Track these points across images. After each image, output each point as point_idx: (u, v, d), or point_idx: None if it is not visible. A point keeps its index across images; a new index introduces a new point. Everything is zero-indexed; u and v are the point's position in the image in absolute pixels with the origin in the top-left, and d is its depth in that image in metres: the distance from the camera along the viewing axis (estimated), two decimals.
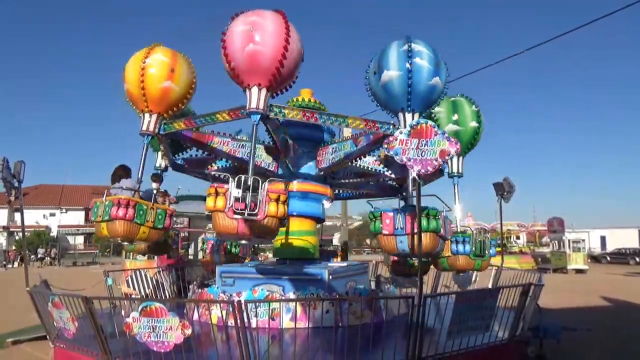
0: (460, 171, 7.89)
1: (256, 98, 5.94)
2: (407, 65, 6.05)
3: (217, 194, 5.37)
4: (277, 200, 5.48)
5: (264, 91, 5.94)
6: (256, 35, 5.73)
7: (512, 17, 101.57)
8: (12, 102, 79.53)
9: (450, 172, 7.91)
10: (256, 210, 5.28)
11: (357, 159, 8.11)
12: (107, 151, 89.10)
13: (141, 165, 6.73)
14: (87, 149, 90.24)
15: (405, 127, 5.56)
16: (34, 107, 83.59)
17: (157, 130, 6.87)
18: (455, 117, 7.80)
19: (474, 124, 7.86)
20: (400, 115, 6.26)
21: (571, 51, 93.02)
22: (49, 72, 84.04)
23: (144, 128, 6.80)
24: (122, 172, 7.20)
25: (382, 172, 8.95)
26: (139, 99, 6.70)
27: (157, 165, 8.05)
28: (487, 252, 7.54)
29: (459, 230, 7.87)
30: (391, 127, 6.40)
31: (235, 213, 5.24)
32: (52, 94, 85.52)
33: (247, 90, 5.98)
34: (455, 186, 7.87)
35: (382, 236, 6.04)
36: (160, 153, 8.00)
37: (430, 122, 5.07)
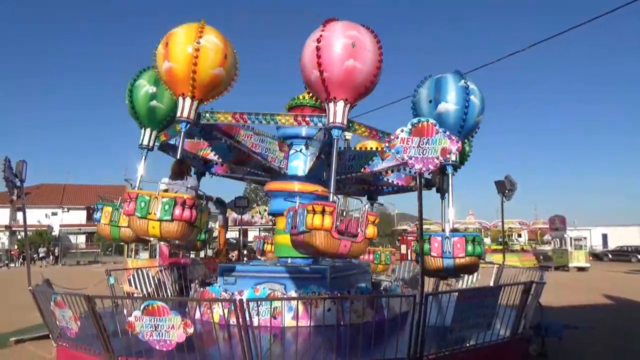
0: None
1: (341, 113, 6.09)
2: (465, 102, 6.94)
3: (324, 212, 5.22)
4: (373, 222, 5.52)
5: (347, 106, 6.15)
6: (358, 52, 5.86)
7: (513, 13, 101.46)
8: (14, 101, 79.66)
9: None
10: (357, 233, 5.35)
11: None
12: (109, 150, 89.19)
13: (180, 152, 6.51)
14: (89, 148, 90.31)
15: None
16: (36, 106, 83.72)
17: (194, 117, 6.41)
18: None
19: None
20: None
21: (573, 48, 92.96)
22: (51, 71, 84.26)
23: (184, 114, 6.31)
24: (183, 168, 6.57)
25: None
26: (184, 82, 6.14)
27: (144, 142, 7.68)
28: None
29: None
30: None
31: (339, 233, 5.30)
32: (53, 93, 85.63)
33: (332, 103, 6.09)
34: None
35: (429, 257, 6.61)
36: (148, 130, 7.66)
37: (431, 120, 5.07)
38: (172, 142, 7.99)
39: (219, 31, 6.38)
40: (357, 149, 9.19)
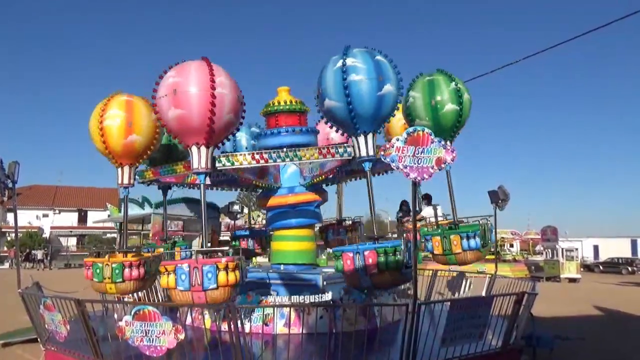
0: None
1: (197, 158, 5.87)
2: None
3: (167, 272, 5.35)
4: (227, 269, 5.39)
5: (203, 149, 5.88)
6: (177, 99, 5.59)
7: (507, 22, 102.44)
8: (7, 101, 79.14)
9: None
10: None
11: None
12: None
13: (124, 216, 7.14)
14: (82, 150, 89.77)
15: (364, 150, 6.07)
16: (29, 106, 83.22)
17: (132, 180, 6.96)
18: (432, 102, 7.17)
19: (452, 106, 7.19)
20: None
21: (565, 60, 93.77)
22: (44, 71, 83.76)
23: (121, 182, 6.90)
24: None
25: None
26: (107, 156, 6.75)
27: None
28: (488, 239, 7.54)
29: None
30: (347, 149, 6.38)
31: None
32: (46, 93, 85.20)
33: (190, 150, 5.93)
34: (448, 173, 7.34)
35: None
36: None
37: (426, 130, 5.08)
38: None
39: (128, 98, 6.69)
40: None
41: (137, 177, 7.18)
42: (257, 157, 6.41)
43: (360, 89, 5.78)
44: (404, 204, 9.85)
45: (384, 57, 6.09)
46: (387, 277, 5.69)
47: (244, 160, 6.40)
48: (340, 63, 5.86)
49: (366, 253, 5.65)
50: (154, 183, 8.27)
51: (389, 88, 5.90)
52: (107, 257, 6.47)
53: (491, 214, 7.93)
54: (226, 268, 5.26)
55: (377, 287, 5.97)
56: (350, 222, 10.21)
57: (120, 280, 6.21)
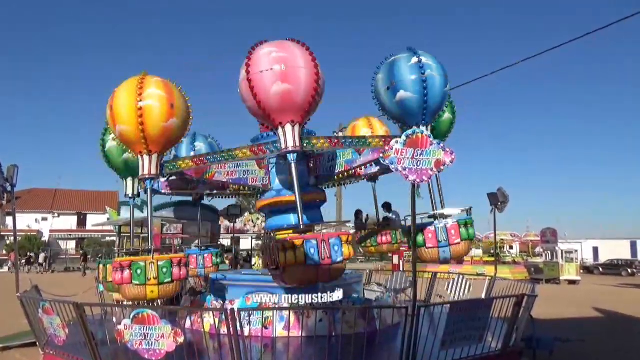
0: None
1: (291, 136, 5.81)
2: (422, 83, 6.45)
3: (294, 247, 5.29)
4: (347, 241, 5.57)
5: (297, 127, 5.85)
6: (286, 73, 5.53)
7: (507, 23, 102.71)
8: (6, 104, 79.17)
9: None
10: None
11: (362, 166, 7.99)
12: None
13: (149, 212, 6.42)
14: (81, 153, 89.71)
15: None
16: (27, 109, 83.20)
17: (159, 171, 6.33)
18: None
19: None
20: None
21: (564, 64, 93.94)
22: (43, 74, 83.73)
23: (146, 172, 6.19)
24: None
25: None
26: (137, 141, 5.99)
27: (129, 192, 7.91)
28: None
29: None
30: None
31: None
32: (45, 96, 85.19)
33: (281, 129, 5.84)
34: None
35: (424, 249, 6.77)
36: (129, 180, 7.83)
37: (425, 132, 5.10)
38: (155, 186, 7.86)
39: (162, 79, 6.13)
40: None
41: (168, 166, 6.53)
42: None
43: (434, 83, 6.45)
44: (359, 213, 9.53)
45: None
46: (464, 247, 6.83)
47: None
48: (415, 59, 6.46)
49: (448, 226, 6.77)
50: (178, 176, 7.88)
51: (448, 86, 6.79)
52: (144, 256, 5.89)
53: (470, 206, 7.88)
54: (347, 241, 5.48)
55: (454, 258, 6.97)
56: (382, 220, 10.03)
57: (169, 279, 5.68)
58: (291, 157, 5.92)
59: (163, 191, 8.81)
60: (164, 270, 5.65)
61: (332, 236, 5.39)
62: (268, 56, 5.60)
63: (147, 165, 6.15)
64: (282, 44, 5.76)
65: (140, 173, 6.18)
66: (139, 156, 6.18)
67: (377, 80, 6.90)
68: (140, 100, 5.77)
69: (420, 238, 6.80)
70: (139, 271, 5.55)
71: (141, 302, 5.78)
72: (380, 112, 7.16)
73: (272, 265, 5.31)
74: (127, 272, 5.56)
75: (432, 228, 6.83)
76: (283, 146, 5.85)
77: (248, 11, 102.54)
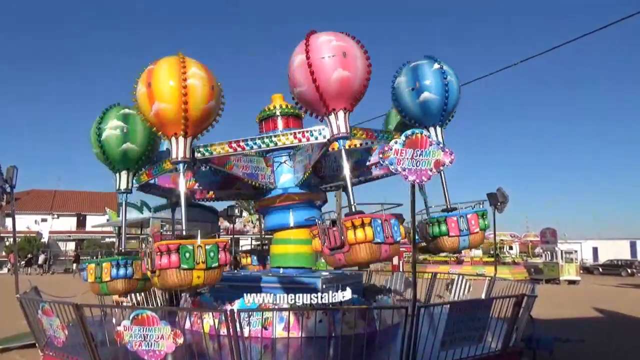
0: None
1: (343, 123, 6.08)
2: (444, 85, 7.11)
3: (363, 225, 5.44)
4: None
5: (348, 115, 6.15)
6: (348, 61, 5.83)
7: (507, 23, 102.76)
8: (5, 105, 79.12)
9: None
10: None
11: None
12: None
13: (183, 196, 6.02)
14: (81, 154, 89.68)
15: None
16: (27, 111, 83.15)
17: (189, 155, 6.07)
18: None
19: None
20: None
21: (564, 61, 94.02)
22: (43, 74, 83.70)
23: (180, 155, 5.95)
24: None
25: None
26: (176, 122, 5.76)
27: (122, 187, 7.51)
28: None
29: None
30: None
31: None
32: (45, 97, 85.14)
33: (333, 115, 6.06)
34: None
35: (446, 237, 7.10)
36: (124, 173, 7.45)
37: (425, 133, 5.10)
38: (152, 181, 7.89)
39: (199, 62, 5.97)
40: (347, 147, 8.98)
41: (203, 150, 6.36)
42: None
43: (454, 87, 7.26)
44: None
45: None
46: (480, 237, 7.27)
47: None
48: (437, 65, 7.21)
49: (469, 216, 7.11)
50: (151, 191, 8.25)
51: (461, 91, 7.51)
52: (193, 239, 5.47)
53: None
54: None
55: (471, 247, 7.37)
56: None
57: (217, 264, 5.41)
58: (341, 143, 6.17)
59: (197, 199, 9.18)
60: (211, 254, 5.37)
61: (391, 217, 5.70)
62: (328, 44, 5.88)
63: (181, 147, 5.93)
64: (338, 35, 6.08)
65: (174, 156, 5.97)
66: (173, 138, 5.95)
67: (399, 82, 7.46)
68: (185, 80, 5.59)
69: (443, 227, 7.16)
70: (187, 254, 5.22)
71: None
72: (397, 111, 7.76)
73: (336, 244, 5.44)
74: (174, 256, 5.20)
75: (454, 217, 7.14)
76: (335, 132, 6.10)
77: (248, 11, 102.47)
